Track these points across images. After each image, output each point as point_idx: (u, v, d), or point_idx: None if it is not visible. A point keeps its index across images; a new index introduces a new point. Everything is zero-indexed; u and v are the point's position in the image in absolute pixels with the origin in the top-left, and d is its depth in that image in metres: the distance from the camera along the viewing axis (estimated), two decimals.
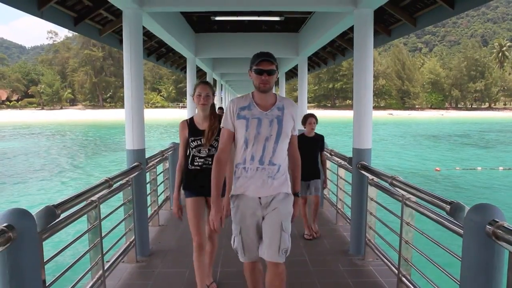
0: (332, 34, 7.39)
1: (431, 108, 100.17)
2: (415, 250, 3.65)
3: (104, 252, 3.75)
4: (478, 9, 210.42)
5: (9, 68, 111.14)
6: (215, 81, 21.39)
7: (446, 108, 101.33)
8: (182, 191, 3.80)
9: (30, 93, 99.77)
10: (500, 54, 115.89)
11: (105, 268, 3.78)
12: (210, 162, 3.52)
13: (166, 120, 60.82)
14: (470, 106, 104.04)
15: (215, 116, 3.67)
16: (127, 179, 4.60)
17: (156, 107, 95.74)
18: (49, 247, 2.83)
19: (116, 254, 4.34)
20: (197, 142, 3.60)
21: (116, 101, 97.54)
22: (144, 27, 5.88)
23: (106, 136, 40.78)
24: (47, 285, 2.62)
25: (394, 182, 3.93)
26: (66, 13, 5.53)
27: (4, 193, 16.19)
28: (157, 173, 6.57)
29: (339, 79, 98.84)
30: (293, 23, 9.87)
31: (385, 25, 6.91)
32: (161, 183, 6.91)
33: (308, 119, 5.70)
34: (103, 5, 5.78)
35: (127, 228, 4.72)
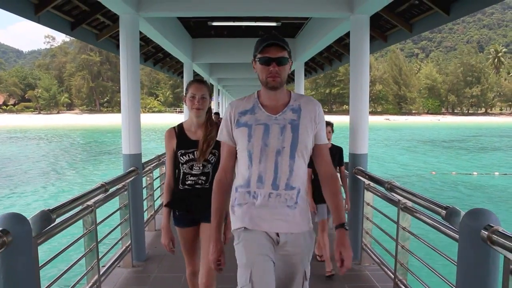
0: (328, 39, 7.42)
1: (427, 113, 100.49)
2: (412, 255, 3.65)
3: (100, 257, 3.74)
4: (474, 15, 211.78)
5: (6, 72, 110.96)
6: (212, 86, 21.40)
7: (443, 113, 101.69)
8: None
9: (27, 98, 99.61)
10: (496, 60, 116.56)
11: (101, 272, 3.77)
12: (204, 182, 2.85)
13: (163, 125, 60.73)
14: (466, 111, 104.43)
15: (211, 123, 2.91)
16: (123, 183, 4.59)
17: (153, 111, 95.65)
18: (44, 251, 2.82)
19: (112, 259, 4.33)
20: (188, 156, 2.83)
21: (113, 105, 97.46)
22: (141, 32, 5.89)
23: (103, 141, 40.70)
24: None
25: (390, 187, 3.93)
26: (63, 18, 5.54)
27: None
28: (154, 178, 6.56)
29: (336, 84, 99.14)
30: (290, 29, 9.90)
31: (381, 31, 6.95)
32: (157, 187, 6.89)
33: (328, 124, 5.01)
34: (100, 10, 5.79)
35: (123, 232, 4.71)
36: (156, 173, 6.85)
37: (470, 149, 34.93)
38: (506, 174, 21.02)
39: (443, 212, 2.83)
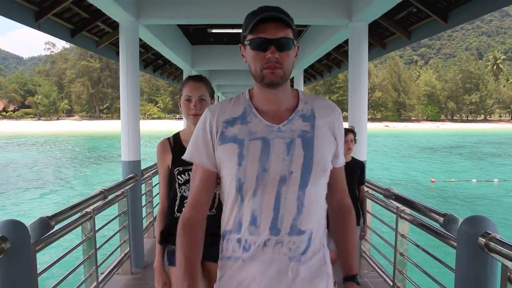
0: (327, 46, 7.45)
1: (427, 120, 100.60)
2: (410, 262, 3.65)
3: (98, 264, 3.74)
4: (472, 23, 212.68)
5: (6, 79, 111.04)
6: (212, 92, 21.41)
7: (442, 120, 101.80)
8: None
9: (26, 104, 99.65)
10: (495, 67, 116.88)
11: (100, 280, 3.76)
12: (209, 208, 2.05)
13: (162, 132, 60.80)
14: (465, 118, 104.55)
15: None
16: (122, 190, 4.60)
17: (153, 118, 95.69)
18: (43, 258, 2.82)
19: (111, 266, 4.32)
20: (187, 175, 2.23)
21: (113, 112, 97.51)
22: (140, 39, 5.92)
23: (102, 147, 40.70)
24: None
25: (388, 194, 3.94)
26: (64, 25, 5.57)
27: None
28: (153, 185, 6.56)
29: (335, 91, 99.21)
30: None
31: (380, 38, 6.99)
32: (156, 194, 6.88)
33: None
34: (100, 17, 5.82)
35: (122, 239, 4.71)
36: (156, 179, 6.84)
37: (469, 156, 34.94)
38: (505, 180, 21.01)
39: (441, 219, 2.84)
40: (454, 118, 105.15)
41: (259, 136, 1.38)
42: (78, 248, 3.49)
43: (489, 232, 2.29)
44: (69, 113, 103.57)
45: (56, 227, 2.89)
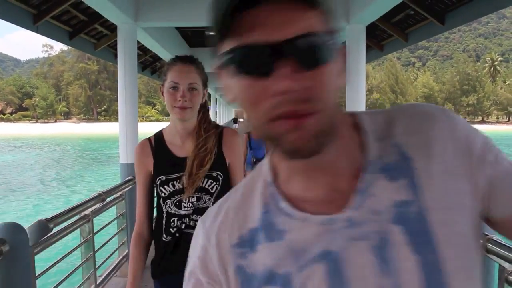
0: None
1: None
2: None
3: (97, 266, 3.73)
4: (469, 25, 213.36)
5: (3, 81, 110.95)
6: (209, 95, 21.44)
7: None
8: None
9: (24, 106, 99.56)
10: (492, 68, 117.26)
11: (98, 282, 3.76)
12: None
13: None
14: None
15: (207, 128, 1.80)
16: (120, 193, 4.59)
17: (151, 120, 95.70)
18: (41, 261, 2.81)
19: (109, 268, 4.31)
20: (173, 186, 1.75)
21: (111, 114, 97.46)
22: (138, 42, 5.93)
23: (100, 149, 40.65)
24: None
25: None
26: (62, 27, 5.58)
27: None
28: None
29: None
30: None
31: (378, 40, 7.01)
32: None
33: None
34: (98, 20, 5.83)
35: (120, 242, 4.70)
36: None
37: None
38: None
39: None
40: None
41: (315, 254, 0.58)
42: (76, 250, 3.49)
43: (486, 233, 2.30)
44: (67, 116, 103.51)
45: (55, 230, 2.89)
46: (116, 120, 5.28)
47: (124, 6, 4.73)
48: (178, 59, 1.78)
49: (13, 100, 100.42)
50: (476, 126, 0.66)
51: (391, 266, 0.54)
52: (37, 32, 4.76)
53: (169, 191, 1.76)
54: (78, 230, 3.49)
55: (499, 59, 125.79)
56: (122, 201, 4.66)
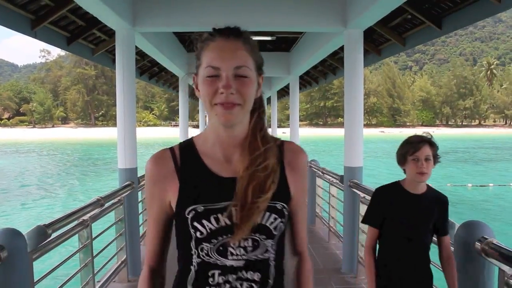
0: (322, 53, 7.48)
1: (422, 125, 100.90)
2: None
3: (95, 272, 3.72)
4: (466, 29, 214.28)
5: (0, 86, 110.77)
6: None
7: (437, 125, 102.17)
8: None
9: (21, 112, 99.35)
10: (489, 72, 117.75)
11: None
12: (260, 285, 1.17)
13: (159, 140, 60.81)
14: (460, 123, 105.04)
15: (265, 138, 1.24)
16: (119, 198, 4.59)
17: (149, 125, 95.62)
18: (39, 267, 2.80)
19: (108, 274, 4.30)
20: (216, 221, 1.14)
21: (108, 119, 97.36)
22: (136, 47, 5.93)
23: (98, 154, 40.58)
24: None
25: None
26: (60, 33, 5.58)
27: None
28: None
29: (330, 97, 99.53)
30: (284, 43, 9.99)
31: (375, 44, 7.03)
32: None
33: (418, 148, 2.43)
34: (96, 25, 5.83)
35: (118, 247, 4.69)
36: None
37: (464, 161, 35.07)
38: (500, 185, 21.10)
39: None
40: (449, 123, 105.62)
41: None
42: (75, 256, 3.48)
43: (486, 237, 2.30)
44: (65, 121, 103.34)
45: (53, 235, 2.88)
46: (114, 125, 5.28)
47: (122, 12, 4.74)
48: (217, 33, 1.16)
49: (10, 105, 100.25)
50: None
51: None
52: (35, 37, 4.76)
53: (210, 229, 1.14)
54: (76, 236, 3.48)
55: (496, 62, 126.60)
56: (121, 206, 4.66)
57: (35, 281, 2.59)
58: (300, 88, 12.71)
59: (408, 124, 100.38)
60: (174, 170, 1.21)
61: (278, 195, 1.16)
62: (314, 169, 7.08)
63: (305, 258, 1.35)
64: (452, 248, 2.59)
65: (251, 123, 1.22)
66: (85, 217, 3.54)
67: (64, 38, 5.76)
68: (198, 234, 1.15)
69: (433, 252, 2.46)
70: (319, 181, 7.08)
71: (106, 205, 4.09)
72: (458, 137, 71.17)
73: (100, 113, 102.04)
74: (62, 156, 40.95)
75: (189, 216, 1.14)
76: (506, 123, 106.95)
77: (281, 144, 1.27)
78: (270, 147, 1.20)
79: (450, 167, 30.58)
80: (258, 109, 1.24)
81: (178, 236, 1.24)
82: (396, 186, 2.50)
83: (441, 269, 2.49)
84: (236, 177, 1.15)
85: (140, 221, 5.67)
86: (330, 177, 6.37)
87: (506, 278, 2.12)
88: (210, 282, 1.16)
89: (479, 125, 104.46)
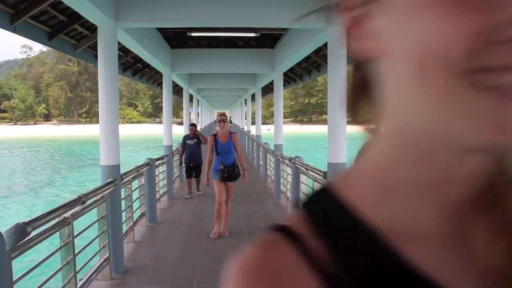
0: (307, 50, 7.50)
1: None
2: None
3: (77, 270, 3.68)
4: None
5: None
6: (191, 96, 21.37)
7: None
8: None
9: (2, 108, 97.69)
10: None
11: (78, 286, 3.70)
12: None
13: (143, 136, 60.39)
14: None
15: None
16: (101, 195, 4.53)
17: (133, 122, 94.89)
18: (19, 265, 2.76)
19: (90, 272, 4.25)
20: None
21: (92, 116, 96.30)
22: (119, 43, 5.87)
23: (81, 152, 40.14)
24: None
25: None
26: (40, 28, 5.49)
27: None
28: (132, 189, 6.49)
29: (315, 94, 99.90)
30: (269, 39, 9.99)
31: None
32: (136, 199, 6.82)
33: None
34: (78, 20, 5.76)
35: (101, 245, 4.64)
36: (135, 184, 6.78)
37: None
38: None
39: None
40: None
41: None
42: (56, 254, 3.43)
43: None
44: (47, 118, 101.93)
45: (33, 233, 2.84)
46: (97, 122, 5.22)
47: (104, 7, 4.68)
48: None
49: None
50: None
51: None
52: (14, 32, 4.68)
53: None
54: (57, 234, 3.43)
55: None
56: (103, 204, 4.61)
57: (14, 280, 2.55)
58: (284, 85, 12.74)
59: None
60: None
61: None
62: (298, 166, 7.10)
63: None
64: None
65: None
66: (66, 215, 3.49)
67: (45, 33, 5.67)
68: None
69: None
70: (303, 178, 7.10)
71: (88, 202, 4.04)
72: None
73: (84, 110, 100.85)
74: (44, 153, 40.41)
75: None
76: None
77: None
78: None
79: None
80: None
81: None
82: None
83: None
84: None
85: (123, 219, 5.63)
86: (314, 174, 6.39)
87: None
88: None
89: None
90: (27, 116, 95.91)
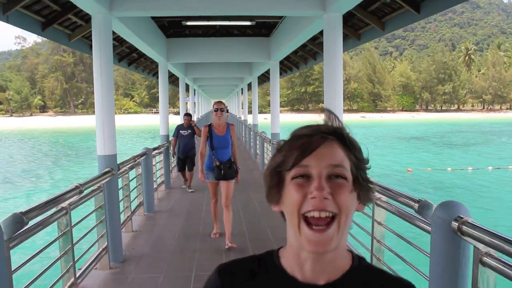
0: (302, 38, 7.47)
1: (402, 110, 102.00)
2: (387, 249, 3.71)
3: (76, 259, 3.69)
4: (445, 14, 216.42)
5: None
6: (188, 86, 21.29)
7: (417, 110, 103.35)
8: None
9: None
10: (467, 57, 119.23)
11: (77, 275, 3.72)
12: None
13: (139, 126, 60.26)
14: (439, 108, 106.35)
15: None
16: (98, 185, 4.53)
17: (129, 112, 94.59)
18: (18, 255, 2.77)
19: (89, 261, 4.27)
20: None
21: (88, 107, 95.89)
22: (114, 32, 5.83)
23: (78, 143, 40.05)
24: None
25: None
26: (33, 17, 5.44)
27: None
28: (130, 179, 6.49)
29: (311, 83, 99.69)
30: (264, 28, 9.95)
31: (355, 29, 7.04)
32: (134, 188, 6.83)
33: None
34: (71, 9, 5.71)
35: (99, 234, 4.65)
36: (132, 174, 6.79)
37: (443, 145, 35.65)
38: (479, 168, 21.54)
39: (416, 205, 2.89)
40: (429, 108, 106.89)
41: None
42: (54, 244, 3.44)
43: (462, 216, 2.35)
44: (43, 109, 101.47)
45: (31, 223, 2.84)
46: (94, 112, 5.19)
47: None
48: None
49: None
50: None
51: None
52: (7, 22, 4.63)
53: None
54: (55, 223, 3.44)
55: (474, 48, 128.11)
56: (101, 193, 4.61)
57: (13, 269, 2.55)
58: (280, 74, 12.71)
59: (389, 109, 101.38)
60: None
61: None
62: None
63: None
64: (430, 228, 2.65)
65: None
66: (63, 204, 3.49)
67: (38, 23, 5.62)
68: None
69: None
70: None
71: (86, 192, 4.05)
72: (438, 121, 72.25)
73: (80, 101, 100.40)
74: (41, 144, 40.30)
75: None
76: (483, 107, 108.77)
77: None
78: None
79: (430, 151, 31.05)
80: None
81: None
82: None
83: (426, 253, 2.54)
84: None
85: (121, 208, 5.64)
86: None
87: (480, 256, 2.17)
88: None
89: (458, 110, 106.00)
90: (23, 108, 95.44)
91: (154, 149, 8.34)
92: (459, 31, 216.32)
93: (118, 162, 5.25)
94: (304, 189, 0.81)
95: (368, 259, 3.95)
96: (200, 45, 10.73)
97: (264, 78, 18.30)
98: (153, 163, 8.08)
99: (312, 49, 9.97)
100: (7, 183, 19.88)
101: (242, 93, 25.32)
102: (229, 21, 8.39)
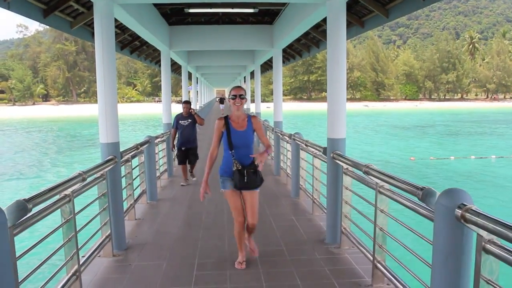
0: (305, 25, 7.42)
1: (405, 99, 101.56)
2: (390, 237, 3.72)
3: (79, 247, 3.70)
4: (449, 2, 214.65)
5: None
6: (190, 74, 21.22)
7: (420, 99, 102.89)
8: None
9: (0, 89, 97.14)
10: (471, 46, 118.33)
11: (81, 262, 3.74)
12: None
13: (142, 115, 60.29)
14: (443, 97, 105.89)
15: None
16: (101, 172, 4.54)
17: (132, 101, 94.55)
18: (22, 242, 2.78)
19: (92, 249, 4.29)
20: None
21: (91, 95, 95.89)
22: (116, 20, 5.80)
23: (81, 131, 40.10)
24: (20, 280, 2.57)
25: (368, 170, 3.98)
26: (35, 4, 5.41)
27: None
28: (132, 167, 6.50)
29: (314, 71, 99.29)
30: (267, 15, 9.88)
31: (358, 16, 6.98)
32: (136, 176, 6.84)
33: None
34: None
35: (102, 222, 4.67)
36: (135, 162, 6.79)
37: (447, 134, 35.56)
38: (482, 157, 21.50)
39: (419, 193, 2.88)
40: (432, 97, 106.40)
41: None
42: (58, 231, 3.45)
43: (465, 203, 2.34)
44: (45, 98, 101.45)
45: (34, 210, 2.85)
46: (96, 101, 5.17)
47: None
48: None
49: None
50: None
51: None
52: (8, 9, 4.60)
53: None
54: (59, 211, 3.45)
55: (478, 36, 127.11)
56: (104, 181, 4.62)
57: (17, 256, 2.57)
58: (283, 62, 12.65)
59: (392, 98, 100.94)
60: None
61: None
62: (298, 142, 7.10)
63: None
64: (433, 216, 2.64)
65: None
66: (67, 192, 3.50)
67: (40, 10, 5.59)
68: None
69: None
70: (302, 154, 7.10)
71: (89, 179, 4.05)
72: (441, 110, 71.98)
73: (82, 90, 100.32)
74: (45, 133, 40.37)
75: None
76: (487, 96, 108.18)
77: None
78: None
79: (433, 140, 30.98)
80: None
81: None
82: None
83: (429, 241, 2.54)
84: None
85: (124, 196, 5.65)
86: (313, 150, 6.39)
87: (483, 243, 2.17)
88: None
89: (461, 98, 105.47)
90: (26, 96, 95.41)
91: (157, 137, 8.33)
92: (464, 19, 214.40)
93: (121, 150, 5.25)
94: None
95: (371, 247, 3.96)
96: (203, 32, 10.68)
97: (266, 66, 18.23)
98: (156, 151, 8.08)
99: (315, 37, 9.91)
100: (12, 171, 19.96)
101: (244, 81, 25.24)
102: (232, 8, 8.33)
